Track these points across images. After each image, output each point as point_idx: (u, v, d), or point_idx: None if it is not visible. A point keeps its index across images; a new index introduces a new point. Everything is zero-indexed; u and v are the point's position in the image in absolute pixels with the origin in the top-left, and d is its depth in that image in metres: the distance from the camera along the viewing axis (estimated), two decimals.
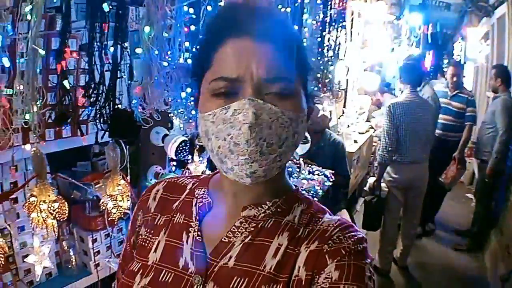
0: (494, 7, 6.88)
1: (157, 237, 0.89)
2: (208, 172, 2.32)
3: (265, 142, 0.72)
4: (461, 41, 10.95)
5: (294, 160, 3.61)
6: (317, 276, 0.75)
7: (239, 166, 0.74)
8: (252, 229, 0.82)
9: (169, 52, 1.62)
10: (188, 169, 2.29)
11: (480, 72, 8.11)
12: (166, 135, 2.25)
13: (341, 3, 3.56)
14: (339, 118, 5.65)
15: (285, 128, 0.74)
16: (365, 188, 4.66)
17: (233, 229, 0.83)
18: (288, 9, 2.48)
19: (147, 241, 0.90)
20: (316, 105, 3.88)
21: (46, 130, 1.59)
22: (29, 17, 1.28)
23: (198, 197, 0.91)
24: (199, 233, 0.85)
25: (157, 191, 0.97)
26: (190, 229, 0.86)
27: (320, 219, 0.84)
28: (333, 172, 3.67)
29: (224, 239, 0.82)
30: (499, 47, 6.62)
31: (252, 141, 0.71)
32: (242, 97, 0.73)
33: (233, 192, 0.85)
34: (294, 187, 0.92)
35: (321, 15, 3.09)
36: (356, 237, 0.79)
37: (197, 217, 0.87)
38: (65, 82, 1.34)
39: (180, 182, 0.98)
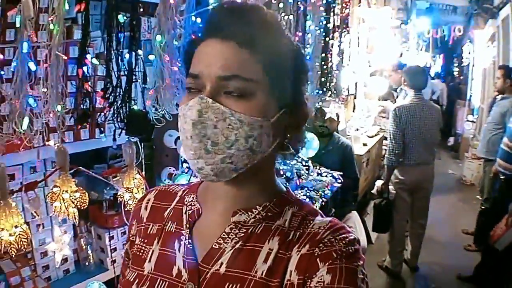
0: (499, 8, 6.89)
1: (151, 247, 0.89)
2: None
3: (209, 141, 0.73)
4: (469, 43, 10.97)
5: (303, 162, 3.70)
6: (309, 280, 0.75)
7: (190, 160, 0.76)
8: (242, 234, 0.81)
9: (179, 59, 1.76)
10: None
11: (488, 74, 8.11)
12: (179, 137, 2.37)
13: (344, 9, 3.66)
14: (347, 121, 5.73)
15: (234, 130, 0.73)
16: (372, 191, 4.72)
17: (224, 235, 0.82)
18: (291, 16, 2.60)
19: (142, 251, 0.90)
20: (323, 108, 3.98)
21: (65, 133, 1.70)
22: (51, 26, 1.41)
23: (188, 204, 0.90)
24: (189, 240, 0.84)
25: (148, 200, 0.97)
26: (181, 237, 0.85)
27: (311, 222, 0.83)
28: (342, 174, 3.76)
29: (215, 245, 0.82)
30: (504, 48, 6.62)
31: (195, 137, 0.73)
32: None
33: (222, 196, 0.84)
34: (285, 188, 0.90)
35: (324, 22, 3.20)
36: (347, 239, 0.78)
37: (187, 225, 0.86)
38: (87, 85, 1.48)
39: (171, 190, 0.97)
